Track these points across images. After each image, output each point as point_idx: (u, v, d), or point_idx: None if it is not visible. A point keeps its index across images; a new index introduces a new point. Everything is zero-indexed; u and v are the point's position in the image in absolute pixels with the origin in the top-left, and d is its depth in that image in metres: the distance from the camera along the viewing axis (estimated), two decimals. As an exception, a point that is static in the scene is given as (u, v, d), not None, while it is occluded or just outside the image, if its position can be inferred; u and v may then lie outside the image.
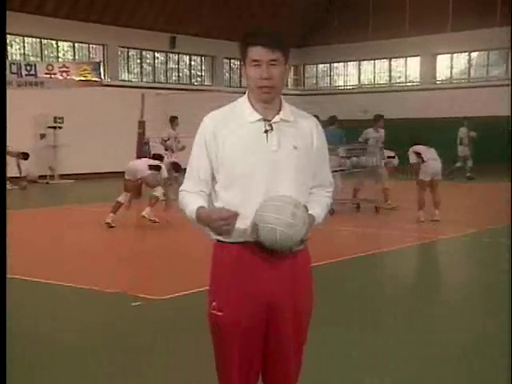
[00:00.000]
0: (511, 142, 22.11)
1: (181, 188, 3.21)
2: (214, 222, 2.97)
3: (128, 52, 28.91)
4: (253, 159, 3.05)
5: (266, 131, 3.08)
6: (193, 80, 31.64)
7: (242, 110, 3.13)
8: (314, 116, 3.44)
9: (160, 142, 17.46)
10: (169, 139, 17.51)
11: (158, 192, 12.72)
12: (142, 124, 19.21)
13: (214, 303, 3.13)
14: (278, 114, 3.12)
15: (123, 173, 13.01)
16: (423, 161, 13.33)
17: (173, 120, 18.03)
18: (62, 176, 24.40)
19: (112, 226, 12.27)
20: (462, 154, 23.96)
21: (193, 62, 31.56)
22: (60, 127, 24.33)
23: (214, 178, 3.14)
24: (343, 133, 15.73)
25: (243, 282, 3.07)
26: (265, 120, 3.10)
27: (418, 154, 13.43)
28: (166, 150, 16.82)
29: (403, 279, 8.95)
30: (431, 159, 13.33)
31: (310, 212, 3.12)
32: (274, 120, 3.10)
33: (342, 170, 14.53)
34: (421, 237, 11.86)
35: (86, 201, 17.41)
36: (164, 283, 8.24)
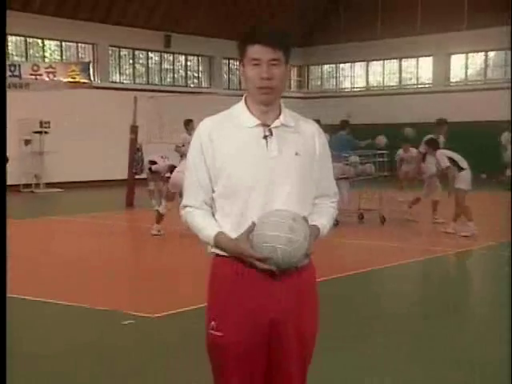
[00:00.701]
0: None
1: (183, 203, 3.23)
2: (248, 258, 3.03)
3: (119, 52, 28.97)
4: (251, 167, 3.06)
5: (266, 137, 3.09)
6: (189, 82, 31.70)
7: (240, 115, 3.15)
8: (315, 120, 3.45)
9: (174, 148, 17.51)
10: (184, 145, 17.54)
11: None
12: (134, 129, 19.21)
13: (212, 323, 3.12)
14: (277, 118, 3.14)
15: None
16: (462, 168, 13.06)
17: (187, 123, 18.07)
18: (49, 185, 24.41)
19: (157, 235, 12.55)
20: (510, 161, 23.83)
21: (189, 63, 31.63)
22: (46, 132, 24.34)
23: (211, 194, 3.16)
24: (353, 139, 15.65)
25: (244, 299, 3.07)
26: (264, 125, 3.11)
27: (452, 161, 13.15)
28: (182, 156, 16.84)
29: (414, 295, 8.96)
30: (468, 168, 13.16)
31: (314, 223, 3.13)
32: (273, 125, 3.12)
33: (346, 178, 14.52)
34: (434, 250, 11.84)
35: (74, 211, 17.40)
36: (158, 300, 8.22)
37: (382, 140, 16.59)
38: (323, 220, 3.21)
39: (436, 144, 13.72)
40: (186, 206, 3.20)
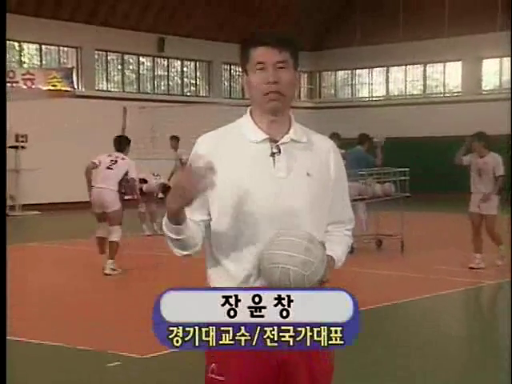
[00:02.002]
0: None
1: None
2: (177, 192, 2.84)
3: (107, 56, 29.10)
4: (256, 188, 3.05)
5: (273, 154, 3.09)
6: (185, 90, 31.81)
7: (244, 128, 3.15)
8: (334, 134, 3.47)
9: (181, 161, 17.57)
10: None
11: (117, 234, 12.70)
12: (123, 143, 19.25)
13: (212, 365, 3.10)
14: (287, 133, 3.14)
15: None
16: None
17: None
18: (26, 207, 24.42)
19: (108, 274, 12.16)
20: None
21: (185, 69, 31.76)
22: (23, 147, 24.37)
23: (208, 212, 3.14)
24: (371, 157, 15.51)
25: (247, 337, 3.05)
26: (271, 140, 3.11)
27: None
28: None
29: (435, 332, 8.95)
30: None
31: (328, 253, 3.11)
32: (282, 140, 3.12)
33: (363, 199, 14.48)
34: (460, 282, 11.79)
35: (54, 237, 17.41)
36: (147, 338, 8.18)
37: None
38: (338, 250, 3.21)
39: (488, 140, 12.63)
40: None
